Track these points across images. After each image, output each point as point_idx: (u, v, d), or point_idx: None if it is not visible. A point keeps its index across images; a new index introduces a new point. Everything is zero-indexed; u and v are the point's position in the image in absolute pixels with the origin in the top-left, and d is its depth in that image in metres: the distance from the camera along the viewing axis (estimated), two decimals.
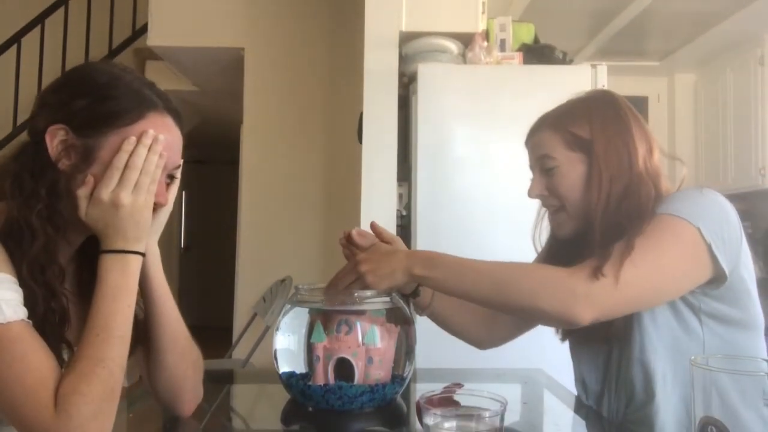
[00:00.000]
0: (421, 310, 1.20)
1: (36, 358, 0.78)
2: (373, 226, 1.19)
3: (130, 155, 0.86)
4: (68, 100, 0.87)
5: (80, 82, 0.90)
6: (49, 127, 0.85)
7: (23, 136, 0.93)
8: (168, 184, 0.95)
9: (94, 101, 0.87)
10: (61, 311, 0.86)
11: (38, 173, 0.85)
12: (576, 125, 1.10)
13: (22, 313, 0.80)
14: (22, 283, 0.82)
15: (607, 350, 1.11)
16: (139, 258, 0.88)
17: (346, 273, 1.09)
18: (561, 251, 1.15)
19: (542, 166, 1.14)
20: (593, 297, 0.93)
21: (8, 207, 0.84)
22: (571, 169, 1.10)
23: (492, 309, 1.14)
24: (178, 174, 0.96)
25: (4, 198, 0.86)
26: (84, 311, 0.85)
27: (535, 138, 1.17)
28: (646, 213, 1.02)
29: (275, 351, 1.10)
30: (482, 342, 1.29)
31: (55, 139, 0.86)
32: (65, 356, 0.86)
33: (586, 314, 0.94)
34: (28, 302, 0.81)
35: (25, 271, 0.82)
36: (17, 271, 0.82)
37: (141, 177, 0.86)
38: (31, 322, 0.81)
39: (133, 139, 0.87)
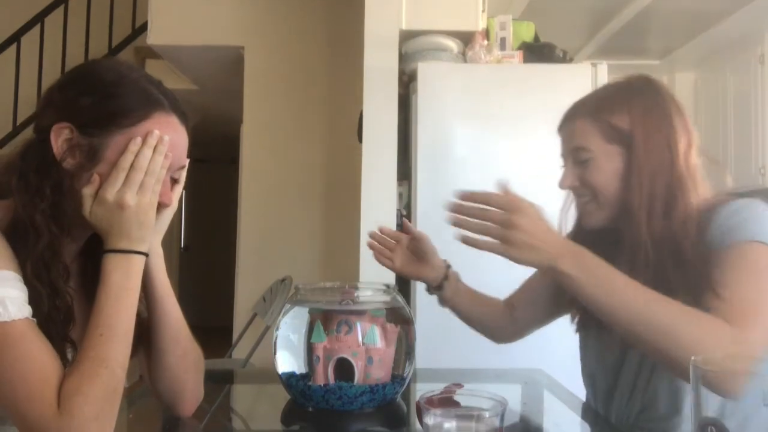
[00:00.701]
0: (443, 303, 1.22)
1: (40, 357, 0.78)
2: (405, 224, 1.20)
3: (136, 156, 0.86)
4: (74, 98, 0.87)
5: (86, 80, 0.89)
6: (54, 126, 0.85)
7: (27, 134, 0.93)
8: (173, 184, 0.95)
9: (99, 100, 0.86)
10: (65, 309, 0.86)
11: (43, 172, 0.85)
12: (615, 115, 1.03)
13: (26, 311, 0.79)
14: (27, 281, 0.82)
15: (621, 350, 1.08)
16: (143, 258, 0.88)
17: (482, 228, 0.94)
18: (586, 241, 1.13)
19: (576, 157, 1.07)
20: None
21: (14, 204, 0.85)
22: (608, 162, 1.03)
23: (628, 340, 0.96)
24: (184, 174, 0.96)
25: (10, 195, 0.86)
26: (88, 310, 0.85)
27: (569, 126, 1.10)
28: (695, 222, 0.97)
29: (275, 351, 1.10)
30: (500, 336, 1.33)
31: (59, 137, 0.85)
32: (69, 356, 0.86)
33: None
34: (33, 300, 0.81)
35: (30, 270, 0.82)
36: (22, 269, 0.82)
37: (146, 178, 0.86)
38: (35, 320, 0.81)
39: (139, 139, 0.86)
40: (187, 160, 0.96)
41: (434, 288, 1.27)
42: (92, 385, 0.77)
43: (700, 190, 1.02)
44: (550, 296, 1.23)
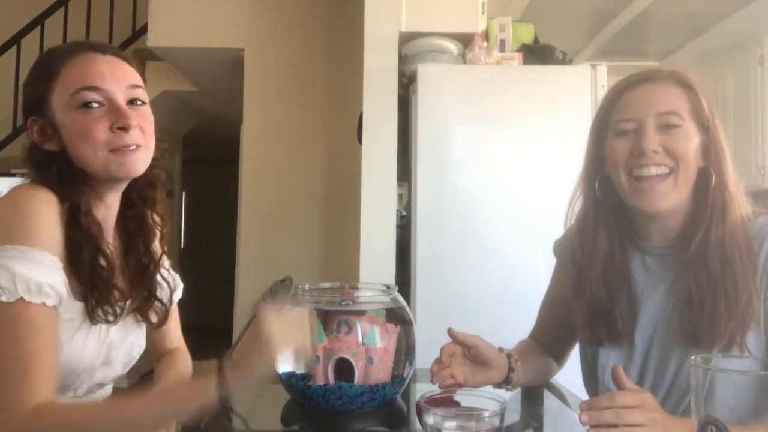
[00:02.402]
0: (510, 388, 1.16)
1: (37, 348, 0.80)
2: (452, 334, 1.08)
3: None
4: (29, 92, 0.97)
5: (31, 72, 0.98)
6: (27, 124, 0.96)
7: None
8: (137, 109, 0.97)
9: (34, 81, 0.96)
10: (106, 260, 0.95)
11: (39, 163, 0.95)
12: (701, 95, 1.01)
13: (50, 299, 0.83)
14: (73, 243, 0.90)
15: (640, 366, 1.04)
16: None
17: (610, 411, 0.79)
18: (598, 225, 1.07)
19: (663, 121, 0.99)
20: None
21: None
22: (693, 136, 0.99)
23: None
24: (143, 96, 0.99)
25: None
26: (128, 266, 1.00)
27: (652, 88, 1.02)
28: (743, 231, 0.96)
29: None
30: (552, 375, 1.31)
31: (33, 130, 0.96)
32: (118, 309, 0.96)
33: None
34: (76, 256, 0.90)
35: (74, 233, 0.91)
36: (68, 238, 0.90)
37: None
38: (57, 311, 0.84)
39: None
40: (138, 81, 1.00)
41: (504, 383, 1.13)
42: (72, 426, 0.79)
43: (748, 207, 1.01)
44: (567, 319, 1.19)
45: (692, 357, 0.68)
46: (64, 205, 0.91)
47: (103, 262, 0.94)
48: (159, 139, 1.02)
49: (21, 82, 4.04)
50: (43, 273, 0.83)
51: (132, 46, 4.43)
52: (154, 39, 3.65)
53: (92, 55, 0.96)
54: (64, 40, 4.27)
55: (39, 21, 4.21)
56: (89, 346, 0.96)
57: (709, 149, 0.99)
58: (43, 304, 0.83)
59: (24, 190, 0.91)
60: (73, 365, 0.95)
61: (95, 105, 0.93)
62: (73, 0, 4.29)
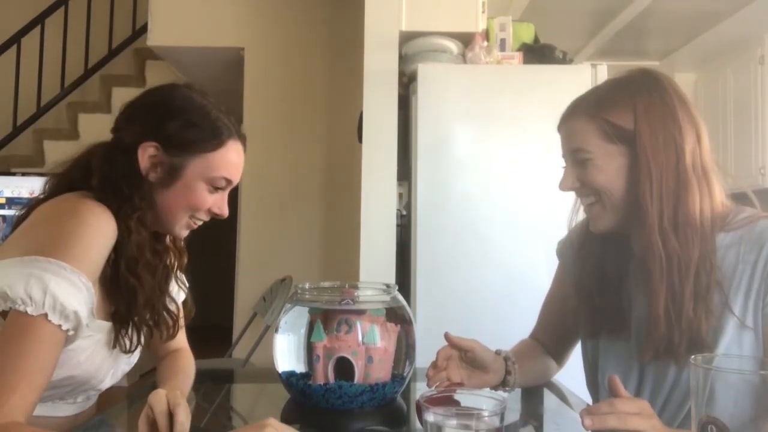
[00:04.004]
0: (509, 389, 1.16)
1: (33, 367, 0.80)
2: (449, 337, 1.07)
3: None
4: (159, 121, 1.00)
5: (170, 106, 1.02)
6: (142, 143, 0.98)
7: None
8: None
9: (183, 126, 1.00)
10: (151, 300, 1.01)
11: (132, 182, 0.98)
12: (616, 113, 0.98)
13: (68, 323, 0.84)
14: (119, 275, 0.95)
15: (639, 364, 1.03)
16: None
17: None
18: (596, 247, 1.08)
19: (575, 158, 1.02)
20: None
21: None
22: (609, 162, 0.98)
23: None
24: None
25: (81, 189, 0.98)
26: (152, 285, 1.02)
27: (567, 126, 1.05)
28: (707, 230, 0.94)
29: (275, 350, 1.10)
30: (551, 374, 1.30)
31: (145, 154, 0.98)
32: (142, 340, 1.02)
33: None
34: (125, 295, 0.96)
35: (123, 267, 0.95)
36: (113, 264, 0.95)
37: None
38: (69, 332, 0.86)
39: None
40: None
41: (500, 386, 1.13)
42: None
43: (717, 194, 0.97)
44: (568, 320, 1.20)
45: (692, 357, 0.68)
46: (121, 235, 0.95)
47: (142, 299, 0.98)
48: None
49: (21, 81, 4.05)
50: (73, 296, 0.85)
51: (132, 45, 4.43)
52: (154, 38, 3.65)
53: (240, 148, 1.08)
54: (64, 40, 4.28)
55: (39, 21, 4.21)
56: (105, 364, 1.00)
57: (639, 163, 0.96)
58: (60, 326, 0.84)
59: (88, 207, 0.92)
60: (85, 379, 0.99)
61: (218, 192, 1.05)
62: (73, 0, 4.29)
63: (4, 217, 3.95)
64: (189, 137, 1.00)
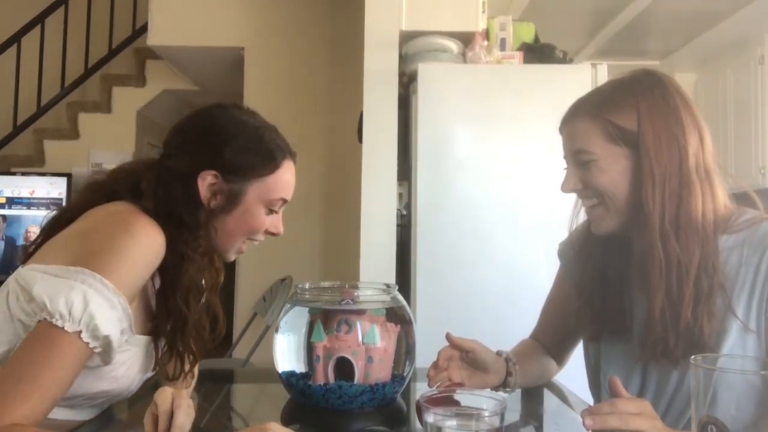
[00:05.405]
0: (510, 390, 1.16)
1: (51, 380, 0.80)
2: (450, 338, 1.08)
3: None
4: (215, 149, 1.00)
5: (224, 132, 1.02)
6: (201, 173, 0.98)
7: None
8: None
9: (239, 152, 1.01)
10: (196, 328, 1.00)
11: (191, 210, 0.97)
12: (618, 114, 0.97)
13: (97, 344, 0.84)
14: (170, 304, 0.94)
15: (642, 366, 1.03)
16: None
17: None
18: (596, 246, 1.08)
19: (577, 159, 1.01)
20: None
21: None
22: (612, 163, 0.98)
23: None
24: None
25: (119, 198, 0.98)
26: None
27: (569, 127, 1.04)
28: (710, 233, 0.93)
29: (275, 350, 1.10)
30: (552, 375, 1.30)
31: (205, 183, 0.99)
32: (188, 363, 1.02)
33: None
34: (173, 322, 0.96)
35: (178, 296, 0.95)
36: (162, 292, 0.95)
37: None
38: (97, 350, 0.85)
39: None
40: None
41: (501, 386, 1.13)
42: None
43: (720, 196, 0.97)
44: (569, 321, 1.19)
45: (693, 357, 0.68)
46: (174, 261, 0.94)
47: (190, 325, 0.98)
48: None
49: (21, 80, 4.05)
50: (109, 320, 0.84)
51: (132, 45, 4.43)
52: (154, 38, 3.65)
53: (293, 166, 1.09)
54: (65, 40, 4.27)
55: (39, 20, 4.21)
56: (138, 378, 1.01)
57: (642, 164, 0.96)
58: (88, 344, 0.83)
59: (142, 226, 0.91)
60: (119, 392, 0.99)
61: (275, 212, 1.07)
62: None
63: (4, 217, 3.95)
64: (246, 163, 1.01)
